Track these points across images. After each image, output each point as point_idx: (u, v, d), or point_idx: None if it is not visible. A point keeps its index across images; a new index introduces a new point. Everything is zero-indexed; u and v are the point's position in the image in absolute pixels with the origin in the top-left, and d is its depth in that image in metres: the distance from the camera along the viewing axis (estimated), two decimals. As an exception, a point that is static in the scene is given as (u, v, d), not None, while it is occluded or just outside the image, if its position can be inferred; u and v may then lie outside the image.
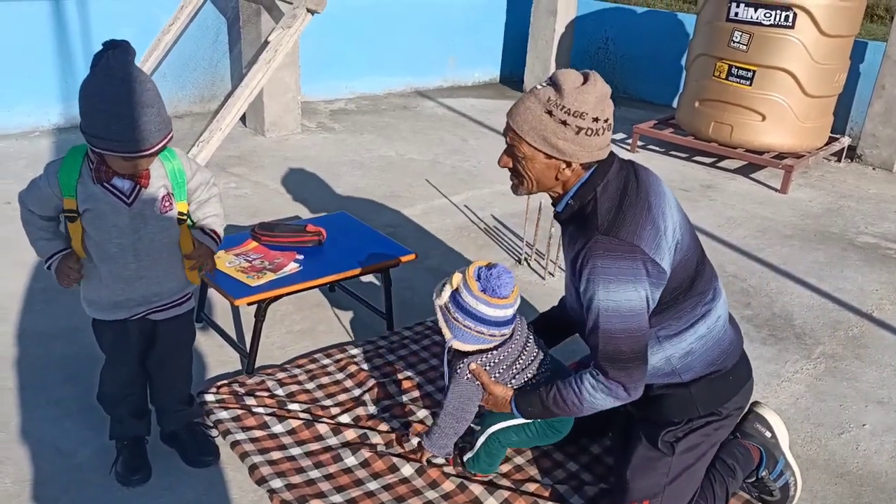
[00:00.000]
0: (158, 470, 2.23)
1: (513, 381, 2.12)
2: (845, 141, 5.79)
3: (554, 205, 2.04)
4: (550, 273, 3.59)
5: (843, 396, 2.87)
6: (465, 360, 2.10)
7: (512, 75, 7.52)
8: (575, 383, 1.95)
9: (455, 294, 2.03)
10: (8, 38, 4.69)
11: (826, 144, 5.62)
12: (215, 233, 2.11)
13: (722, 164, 5.55)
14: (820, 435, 2.65)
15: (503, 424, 2.19)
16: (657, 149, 5.74)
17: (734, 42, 5.20)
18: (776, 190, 5.09)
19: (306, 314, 3.12)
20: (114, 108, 1.73)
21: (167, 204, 1.95)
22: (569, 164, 1.89)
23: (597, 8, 7.49)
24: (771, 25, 5.05)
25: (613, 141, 5.89)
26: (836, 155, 5.81)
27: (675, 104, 7.01)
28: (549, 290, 3.45)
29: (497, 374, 2.11)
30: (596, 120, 1.84)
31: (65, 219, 1.92)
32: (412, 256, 2.93)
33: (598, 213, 1.87)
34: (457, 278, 2.06)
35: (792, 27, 4.99)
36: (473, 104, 6.60)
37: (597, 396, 1.92)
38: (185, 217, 2.02)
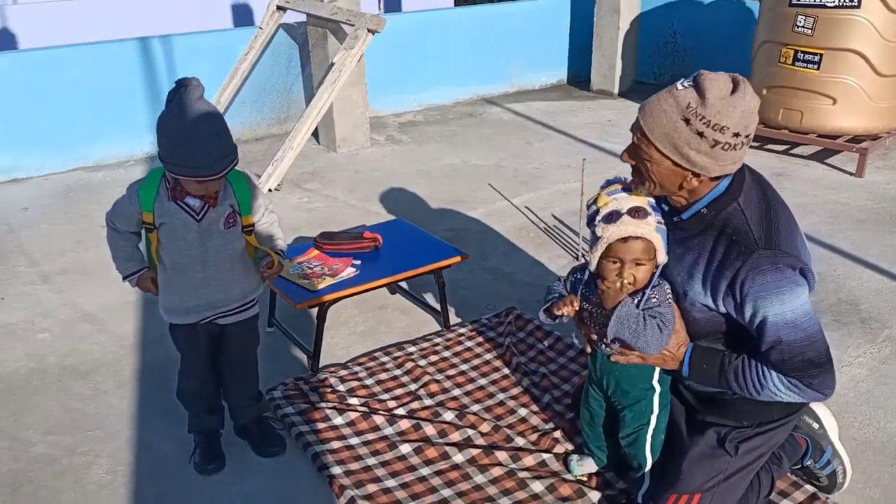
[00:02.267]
0: (231, 460, 2.45)
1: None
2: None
3: (674, 210, 1.96)
4: (607, 268, 3.66)
5: (908, 380, 2.82)
6: (651, 286, 1.96)
7: (578, 76, 7.56)
8: (760, 368, 1.86)
9: (652, 203, 1.94)
10: (102, 77, 5.14)
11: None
12: (281, 254, 2.33)
13: (796, 151, 5.43)
14: (879, 418, 2.62)
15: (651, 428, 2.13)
16: (727, 140, 5.66)
17: (798, 27, 5.09)
18: (851, 174, 4.94)
19: (368, 316, 3.31)
20: (185, 139, 1.97)
21: (232, 220, 2.18)
22: (697, 175, 1.82)
23: (662, 2, 7.43)
24: (836, 7, 4.92)
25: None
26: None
27: (748, 93, 6.87)
28: (606, 285, 3.52)
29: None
30: (737, 135, 1.74)
31: (145, 230, 2.19)
32: (464, 257, 3.07)
33: (750, 227, 1.81)
34: (641, 195, 1.93)
35: (858, 7, 4.85)
36: (539, 107, 6.69)
37: (783, 393, 1.85)
38: (251, 228, 2.24)
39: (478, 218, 4.31)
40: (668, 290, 1.99)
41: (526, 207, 4.45)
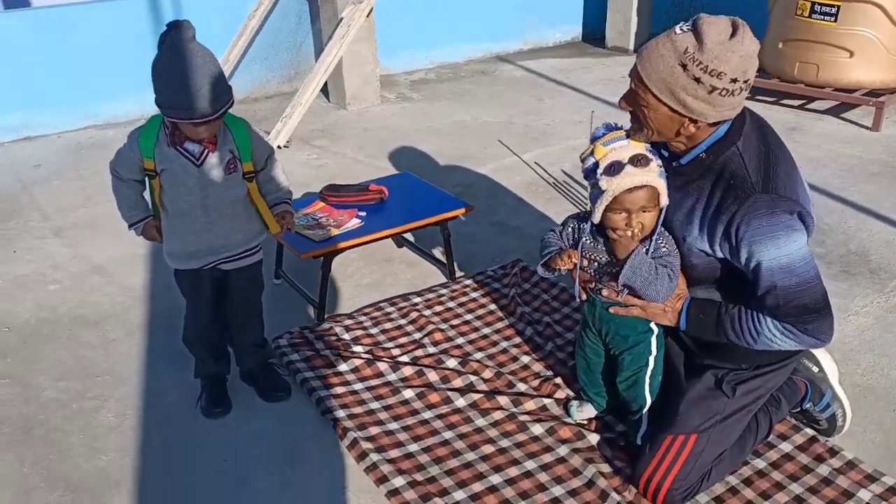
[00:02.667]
0: (238, 404, 2.49)
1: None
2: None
3: (672, 155, 1.96)
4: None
5: (917, 327, 2.80)
6: (659, 233, 1.97)
7: (594, 33, 7.43)
8: (756, 316, 1.85)
9: (650, 149, 1.92)
10: (114, 34, 5.13)
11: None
12: (287, 201, 2.36)
13: (811, 105, 5.33)
14: (883, 365, 2.61)
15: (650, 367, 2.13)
16: (742, 96, 5.57)
17: (817, -23, 4.96)
18: (867, 128, 4.86)
19: (374, 269, 3.32)
20: (178, 80, 1.97)
21: (232, 166, 2.19)
22: (694, 122, 1.81)
23: (679, -44, 7.27)
24: (855, -44, 4.79)
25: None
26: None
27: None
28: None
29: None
30: (734, 81, 1.72)
31: (147, 177, 2.20)
32: (469, 209, 3.07)
33: (748, 171, 1.79)
34: (639, 141, 1.90)
35: (878, -44, 4.72)
36: (552, 64, 6.60)
37: (779, 340, 1.84)
38: (252, 175, 2.25)
39: (486, 174, 4.29)
40: (672, 239, 1.99)
41: (535, 163, 4.42)
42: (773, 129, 1.95)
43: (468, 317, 2.90)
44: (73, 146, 4.89)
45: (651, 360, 2.11)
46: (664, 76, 1.76)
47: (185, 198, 2.18)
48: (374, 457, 2.21)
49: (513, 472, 2.17)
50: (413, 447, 2.27)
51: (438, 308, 2.95)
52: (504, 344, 2.74)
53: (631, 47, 6.98)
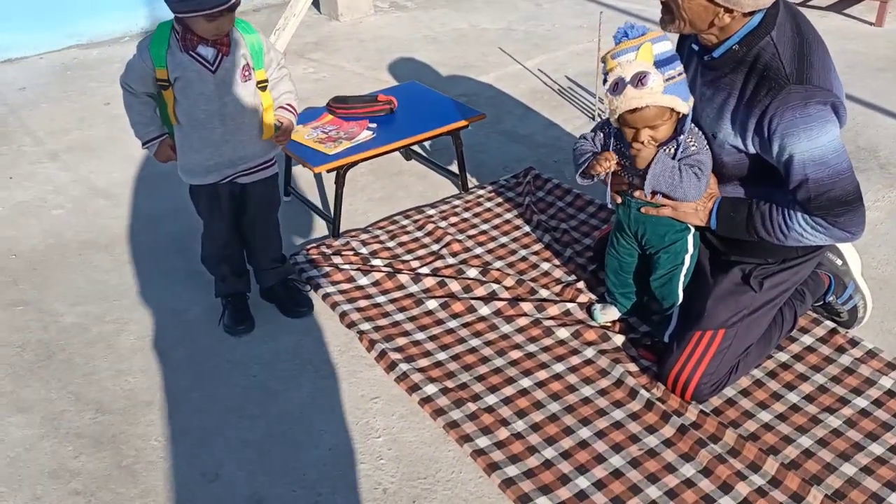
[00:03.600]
0: (260, 322, 2.48)
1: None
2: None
3: (702, 49, 1.91)
4: (624, 127, 3.58)
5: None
6: (686, 132, 1.93)
7: (587, -66, 7.15)
8: (786, 212, 1.84)
9: (659, 59, 1.85)
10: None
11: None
12: (291, 106, 2.29)
13: (813, 1, 5.21)
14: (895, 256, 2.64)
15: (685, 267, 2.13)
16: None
17: None
18: (871, 24, 4.75)
19: (385, 183, 3.28)
20: None
21: (247, 73, 2.12)
22: (729, 11, 1.76)
23: None
24: None
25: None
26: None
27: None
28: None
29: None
30: None
31: (159, 89, 2.12)
32: (481, 117, 3.01)
33: (782, 62, 1.75)
34: (645, 53, 1.84)
35: None
36: (547, -32, 6.37)
37: (809, 234, 1.83)
38: (265, 84, 2.19)
39: (489, 83, 4.19)
40: (703, 136, 1.96)
41: (539, 70, 4.32)
42: (806, 17, 1.90)
43: (484, 227, 2.88)
44: (57, 67, 4.73)
45: (687, 258, 2.11)
46: None
47: (202, 107, 2.11)
48: (404, 366, 2.22)
49: (542, 375, 2.20)
50: (441, 356, 2.28)
51: (454, 219, 2.93)
52: (523, 252, 2.73)
53: (627, -53, 6.73)
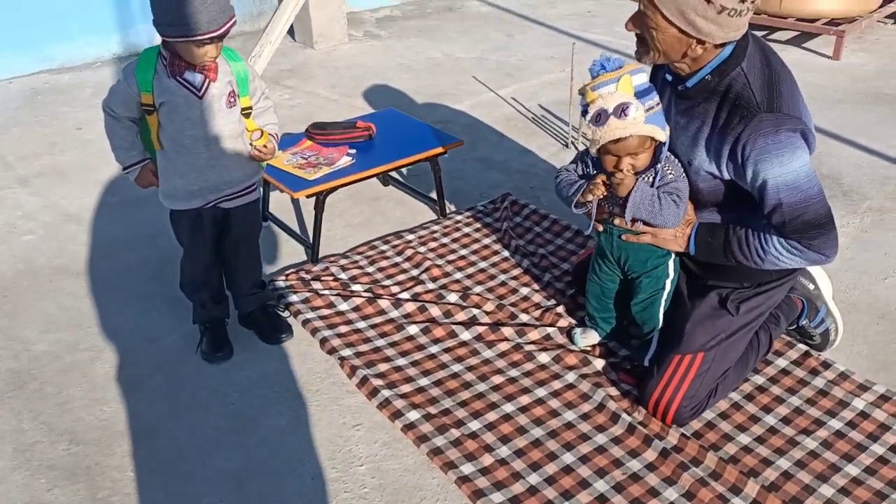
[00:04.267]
0: (239, 348, 2.46)
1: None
2: (905, -1, 5.50)
3: (675, 79, 1.97)
4: (598, 154, 3.65)
5: (888, 245, 2.90)
6: (664, 160, 1.98)
7: (557, -33, 7.31)
8: (762, 236, 1.90)
9: (638, 90, 1.90)
10: (61, -27, 4.87)
11: (881, 6, 5.35)
12: (274, 136, 2.31)
13: (774, 35, 5.38)
14: (863, 282, 2.70)
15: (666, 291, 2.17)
16: (709, 27, 5.58)
17: None
18: (829, 57, 4.92)
19: (363, 208, 3.28)
20: None
21: (232, 100, 2.13)
22: (701, 43, 1.82)
23: None
24: None
25: (663, 23, 5.74)
26: (893, 17, 5.53)
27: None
28: (597, 171, 3.52)
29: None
30: (743, 1, 1.74)
31: (143, 113, 2.12)
32: (459, 143, 3.04)
33: (753, 91, 1.81)
34: (625, 84, 1.88)
35: None
36: (518, -1, 6.51)
37: (786, 257, 1.88)
38: (249, 111, 2.20)
39: (464, 110, 4.24)
40: (679, 163, 2.01)
41: (512, 98, 4.39)
42: (773, 50, 1.97)
43: (463, 252, 2.90)
44: (27, 91, 4.67)
45: (668, 283, 2.15)
46: None
47: (188, 132, 2.11)
48: (386, 392, 2.22)
49: (524, 399, 2.21)
50: (424, 381, 2.28)
51: (433, 244, 2.94)
52: (502, 277, 2.75)
53: (595, -20, 6.88)
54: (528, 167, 3.59)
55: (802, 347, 2.35)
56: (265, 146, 2.22)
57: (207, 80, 2.09)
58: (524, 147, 3.79)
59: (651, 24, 1.83)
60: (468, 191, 3.39)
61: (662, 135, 1.94)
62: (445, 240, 2.98)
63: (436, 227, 3.06)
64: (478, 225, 3.07)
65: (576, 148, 3.74)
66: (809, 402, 2.17)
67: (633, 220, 2.03)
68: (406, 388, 2.25)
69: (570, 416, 2.15)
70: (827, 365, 2.28)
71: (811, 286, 2.34)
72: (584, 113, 1.96)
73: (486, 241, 2.97)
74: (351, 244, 3.03)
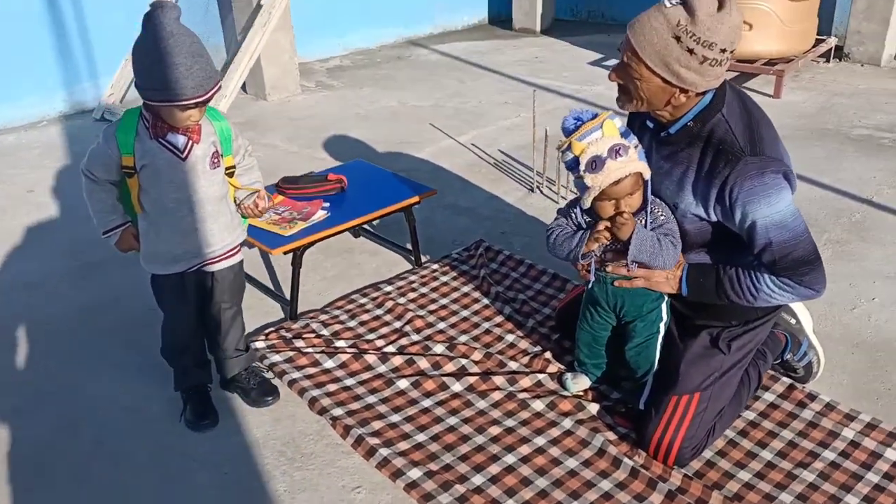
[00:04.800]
0: (224, 414, 2.37)
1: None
2: (832, 41, 5.82)
3: (657, 125, 2.02)
4: (563, 197, 3.71)
5: (851, 276, 3.01)
6: (652, 203, 2.03)
7: (499, 15, 7.52)
8: (753, 274, 1.94)
9: (623, 132, 1.95)
10: (6, 32, 4.74)
11: (814, 46, 5.66)
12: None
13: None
14: (833, 312, 2.79)
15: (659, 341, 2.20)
16: (651, 69, 5.78)
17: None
18: (769, 96, 5.16)
19: (336, 261, 3.25)
20: (168, 58, 1.86)
21: (216, 160, 2.09)
22: (685, 91, 1.88)
23: (575, -64, 7.44)
24: (752, -67, 5.06)
25: (605, 68, 5.94)
26: (825, 56, 5.85)
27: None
28: (565, 214, 3.58)
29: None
30: (723, 51, 1.79)
31: (123, 175, 2.06)
32: (433, 192, 3.06)
33: (735, 136, 1.87)
34: (610, 128, 1.93)
35: (772, -67, 5.01)
36: (465, 47, 6.64)
37: (778, 294, 1.93)
38: (232, 170, 2.17)
39: (426, 158, 4.27)
40: (665, 205, 2.06)
41: (472, 145, 4.44)
42: (748, 95, 2.05)
43: (444, 301, 2.89)
44: (-30, 154, 4.51)
45: (661, 326, 2.18)
46: (658, 48, 1.83)
47: (171, 195, 2.06)
48: (384, 451, 2.17)
49: (525, 450, 2.19)
50: (421, 437, 2.25)
51: (412, 295, 2.93)
52: (486, 325, 2.75)
53: (538, 28, 7.11)
54: (496, 213, 3.62)
55: (787, 381, 2.41)
56: (257, 205, 2.20)
57: (191, 142, 2.05)
58: (490, 193, 3.83)
59: (635, 74, 1.89)
60: (440, 239, 3.40)
61: (648, 171, 1.99)
62: (424, 290, 2.97)
63: (413, 278, 3.05)
64: (455, 273, 3.07)
65: (541, 192, 3.79)
66: (801, 435, 2.21)
67: (632, 263, 2.06)
68: (404, 446, 2.21)
69: (571, 463, 2.14)
70: (812, 397, 2.34)
71: (793, 321, 2.41)
72: (573, 166, 1.98)
73: (465, 288, 2.97)
74: (328, 299, 2.99)
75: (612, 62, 6.01)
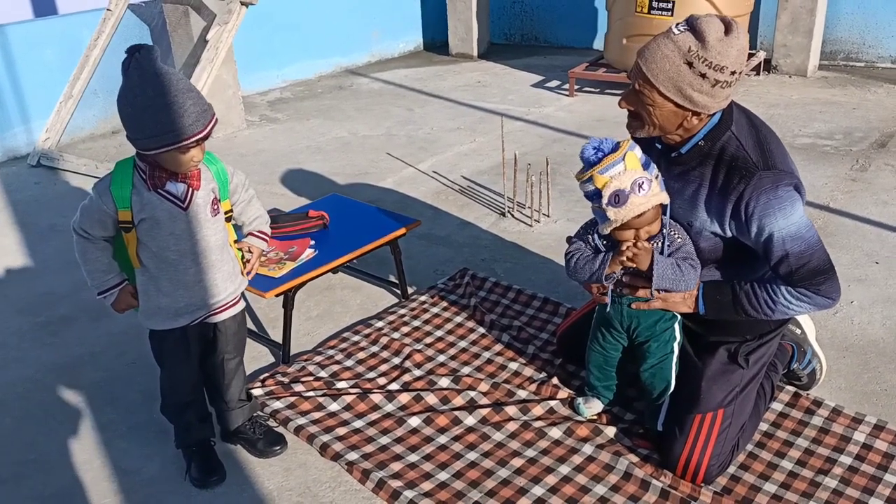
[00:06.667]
0: (231, 468, 2.26)
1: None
2: (761, 55, 6.10)
3: (666, 146, 2.05)
4: (536, 220, 3.72)
5: (829, 282, 3.11)
6: (668, 226, 2.04)
7: (434, 41, 7.56)
8: (770, 287, 1.97)
9: (644, 162, 1.95)
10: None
11: (746, 61, 5.91)
12: (263, 233, 2.23)
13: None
14: (817, 318, 2.87)
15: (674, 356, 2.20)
16: (592, 90, 5.92)
17: (651, -25, 5.39)
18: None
19: (318, 299, 3.16)
20: (159, 100, 1.77)
21: (216, 207, 2.00)
22: (697, 114, 1.91)
23: (505, -37, 7.58)
24: (685, -45, 5.26)
25: (549, 89, 6.04)
26: (755, 69, 6.12)
27: (595, 46, 7.21)
28: (539, 237, 3.59)
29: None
30: (733, 73, 1.84)
31: (120, 231, 1.94)
32: (417, 223, 3.02)
33: (747, 152, 1.92)
34: (632, 160, 1.93)
35: (704, -46, 5.22)
36: (406, 74, 6.63)
37: (795, 305, 1.97)
38: (230, 214, 2.09)
39: (390, 188, 4.22)
40: (680, 226, 2.08)
41: (434, 172, 4.42)
42: (752, 111, 2.11)
43: (439, 333, 2.84)
44: None
45: (675, 346, 2.19)
46: (671, 75, 1.86)
47: (173, 247, 1.95)
48: (409, 494, 2.10)
49: (551, 480, 2.16)
50: (443, 475, 2.18)
51: (406, 329, 2.87)
52: (487, 354, 2.72)
53: (475, 53, 7.18)
54: (472, 240, 3.60)
55: (792, 389, 2.46)
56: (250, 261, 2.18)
57: (191, 189, 1.95)
58: (462, 219, 3.81)
59: (647, 101, 1.92)
60: (421, 270, 3.35)
61: (668, 199, 2.01)
62: (417, 322, 2.91)
63: (403, 311, 2.99)
64: (444, 304, 3.03)
65: (513, 216, 3.80)
66: (816, 442, 2.26)
67: (657, 289, 2.07)
68: (427, 486, 2.14)
69: (600, 490, 2.12)
70: (818, 403, 2.40)
71: (798, 331, 2.47)
72: (594, 197, 1.98)
73: (458, 318, 2.93)
74: (317, 339, 2.89)
75: (554, 83, 6.13)
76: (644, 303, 2.12)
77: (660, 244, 2.05)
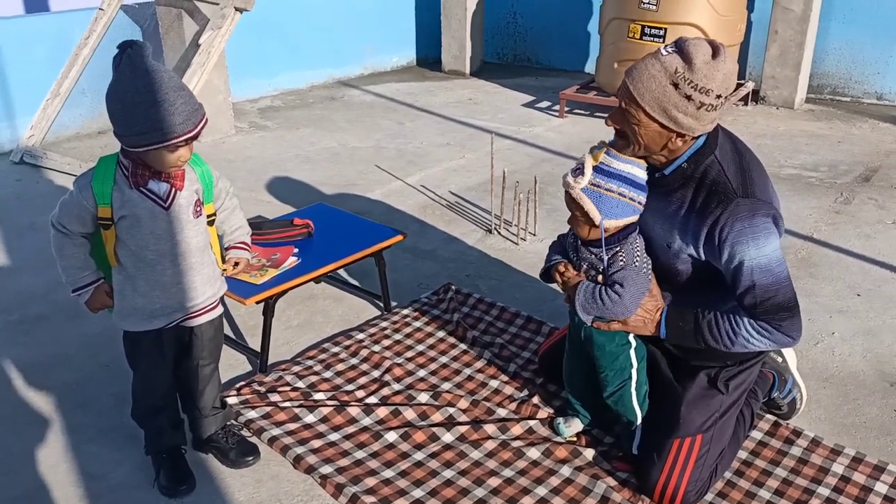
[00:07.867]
0: (201, 477, 2.21)
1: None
2: (750, 86, 6.17)
3: (651, 168, 2.04)
4: (522, 238, 3.71)
5: (808, 312, 3.11)
6: (624, 242, 2.04)
7: (427, 57, 7.59)
8: (733, 319, 1.96)
9: (601, 167, 1.98)
10: None
11: (734, 90, 5.98)
12: (246, 244, 2.21)
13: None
14: (798, 348, 2.87)
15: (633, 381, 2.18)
16: (582, 112, 5.95)
17: (644, 4, 5.44)
18: (699, 138, 5.38)
19: (299, 309, 3.12)
20: (149, 97, 1.74)
21: (198, 209, 1.97)
22: (681, 136, 1.92)
23: (501, -17, 7.63)
24: (678, -17, 5.32)
25: (539, 109, 6.07)
26: (743, 100, 6.19)
27: (586, 69, 7.26)
28: (524, 255, 3.57)
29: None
30: (719, 97, 1.85)
31: (98, 227, 1.90)
32: (404, 236, 2.99)
33: (728, 178, 1.91)
34: (596, 156, 1.98)
35: (697, -17, 5.28)
36: (398, 88, 6.64)
37: (755, 340, 1.95)
38: (213, 218, 2.05)
39: (377, 199, 4.20)
40: (639, 244, 2.07)
41: (422, 186, 4.40)
42: (738, 137, 2.11)
43: (420, 347, 2.81)
44: None
45: (633, 372, 2.17)
46: (657, 95, 1.87)
47: (152, 247, 1.92)
48: (383, 509, 2.06)
49: (527, 501, 2.12)
50: (418, 493, 2.14)
51: (387, 342, 2.83)
52: (468, 371, 2.69)
53: (467, 70, 7.20)
54: (458, 255, 3.58)
55: (772, 418, 2.45)
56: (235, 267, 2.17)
57: (174, 190, 1.92)
58: (448, 234, 3.79)
59: (633, 120, 1.92)
60: (405, 283, 3.32)
61: (596, 217, 1.99)
62: (398, 336, 2.88)
63: (385, 324, 2.95)
64: (426, 318, 3.00)
65: (499, 234, 3.78)
66: (794, 472, 2.24)
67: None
68: (402, 503, 2.10)
69: (577, 513, 2.09)
70: (798, 433, 2.39)
71: (780, 359, 2.46)
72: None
73: (440, 334, 2.90)
74: (296, 349, 2.85)
75: (544, 104, 6.16)
76: (604, 323, 2.11)
77: (601, 266, 2.06)
